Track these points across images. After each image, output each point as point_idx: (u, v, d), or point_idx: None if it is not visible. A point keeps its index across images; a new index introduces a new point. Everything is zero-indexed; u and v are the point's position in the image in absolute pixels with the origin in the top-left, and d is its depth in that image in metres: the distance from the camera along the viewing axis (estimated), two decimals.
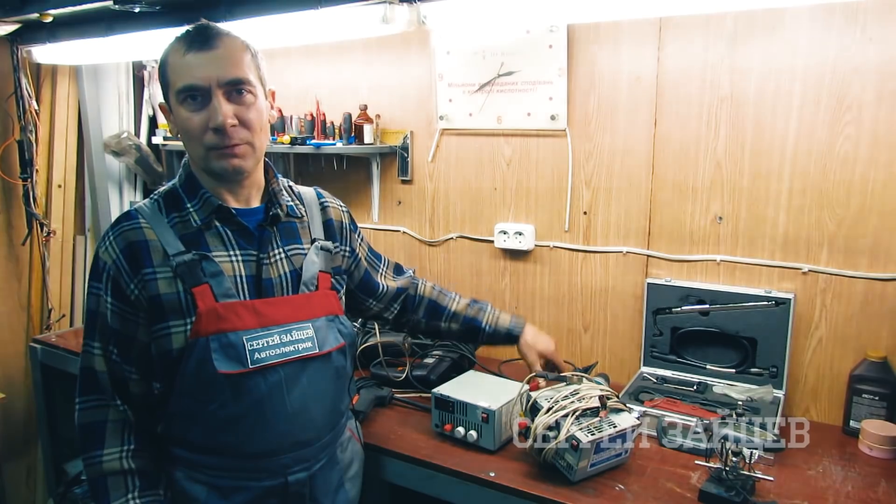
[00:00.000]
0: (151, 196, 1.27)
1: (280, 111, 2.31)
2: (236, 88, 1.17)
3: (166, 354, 1.18)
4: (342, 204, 1.47)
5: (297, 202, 1.36)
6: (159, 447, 1.26)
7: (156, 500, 1.20)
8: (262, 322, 1.21)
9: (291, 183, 1.40)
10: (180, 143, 2.53)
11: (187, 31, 1.18)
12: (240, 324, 1.19)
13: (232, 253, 1.23)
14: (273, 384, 1.21)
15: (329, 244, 1.37)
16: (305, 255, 1.31)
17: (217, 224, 1.23)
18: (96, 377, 1.20)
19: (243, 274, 1.22)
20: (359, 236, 1.49)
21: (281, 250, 1.28)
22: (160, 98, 2.65)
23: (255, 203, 1.30)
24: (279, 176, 1.35)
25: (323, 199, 1.42)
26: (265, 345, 1.20)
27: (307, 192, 1.41)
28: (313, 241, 1.34)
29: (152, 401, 1.23)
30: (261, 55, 1.24)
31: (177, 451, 1.25)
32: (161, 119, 2.70)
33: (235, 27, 1.26)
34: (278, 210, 1.29)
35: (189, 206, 1.23)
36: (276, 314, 1.23)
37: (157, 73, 1.24)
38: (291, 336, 1.23)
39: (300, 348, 1.24)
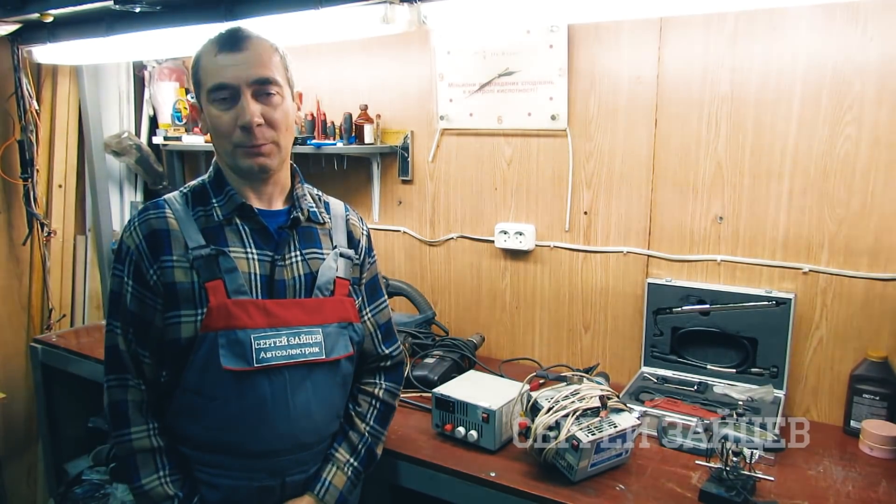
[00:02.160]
0: (181, 189, 1.30)
1: None
2: (264, 89, 1.21)
3: (174, 343, 1.19)
4: (365, 226, 1.47)
5: (322, 210, 1.37)
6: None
7: (184, 482, 1.22)
8: (271, 322, 1.21)
9: (320, 192, 1.42)
10: (181, 144, 2.58)
11: (220, 34, 1.22)
12: (249, 322, 1.20)
13: (248, 251, 1.24)
14: (277, 385, 1.21)
15: (350, 252, 1.37)
16: (324, 259, 1.32)
17: (237, 221, 1.25)
18: (120, 356, 1.22)
19: (257, 273, 1.23)
20: (371, 262, 1.45)
21: (298, 253, 1.29)
22: (160, 98, 2.68)
23: (278, 205, 1.31)
24: (304, 182, 1.37)
25: (349, 214, 1.43)
26: (272, 345, 1.21)
27: (336, 203, 1.43)
28: (334, 247, 1.35)
29: (160, 389, 1.25)
30: (289, 58, 1.28)
31: (178, 448, 1.25)
32: (161, 119, 2.70)
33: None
34: (299, 214, 1.30)
35: (214, 201, 1.26)
36: (286, 316, 1.23)
37: (190, 73, 1.27)
38: (300, 339, 1.24)
39: (307, 352, 1.24)
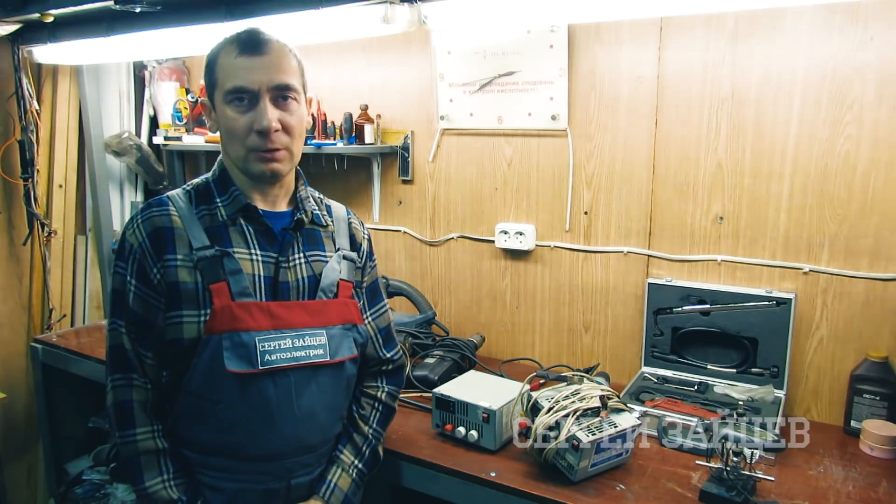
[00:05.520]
0: (184, 187, 1.29)
1: None
2: (282, 94, 1.21)
3: (176, 343, 1.19)
4: (367, 230, 1.47)
5: (325, 212, 1.38)
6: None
7: (188, 486, 1.22)
8: (275, 324, 1.21)
9: (322, 195, 1.42)
10: (181, 144, 2.58)
11: (239, 35, 1.21)
12: (253, 324, 1.19)
13: (253, 252, 1.24)
14: (282, 388, 1.21)
15: (353, 255, 1.37)
16: (327, 262, 1.32)
17: (242, 222, 1.25)
18: (125, 354, 1.21)
19: (261, 274, 1.23)
20: (372, 266, 1.46)
21: (302, 255, 1.28)
22: (161, 98, 2.68)
23: (282, 207, 1.31)
24: (307, 184, 1.37)
25: (351, 218, 1.43)
26: (276, 347, 1.20)
27: (337, 206, 1.43)
28: (337, 249, 1.35)
29: (161, 390, 1.24)
30: (305, 62, 1.27)
31: (182, 451, 1.25)
32: (162, 119, 2.70)
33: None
34: (303, 216, 1.30)
35: (218, 200, 1.25)
36: (290, 318, 1.23)
37: (204, 70, 1.25)
38: (304, 341, 1.23)
39: (311, 354, 1.24)
